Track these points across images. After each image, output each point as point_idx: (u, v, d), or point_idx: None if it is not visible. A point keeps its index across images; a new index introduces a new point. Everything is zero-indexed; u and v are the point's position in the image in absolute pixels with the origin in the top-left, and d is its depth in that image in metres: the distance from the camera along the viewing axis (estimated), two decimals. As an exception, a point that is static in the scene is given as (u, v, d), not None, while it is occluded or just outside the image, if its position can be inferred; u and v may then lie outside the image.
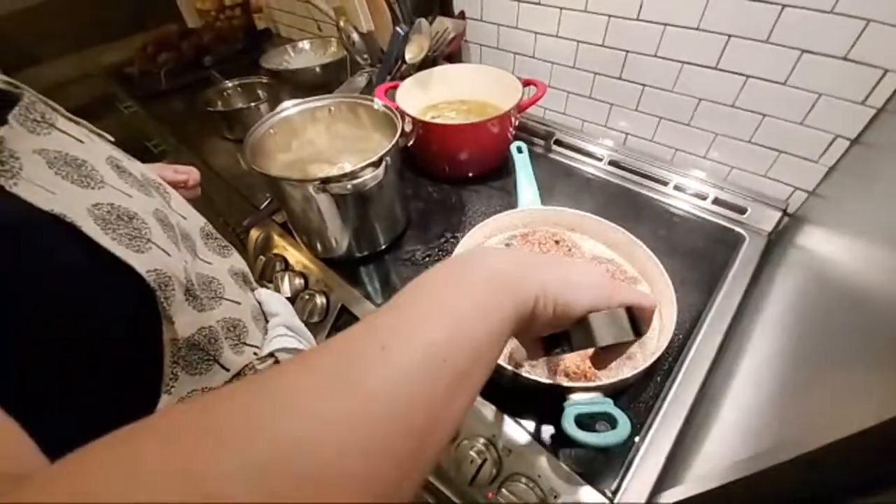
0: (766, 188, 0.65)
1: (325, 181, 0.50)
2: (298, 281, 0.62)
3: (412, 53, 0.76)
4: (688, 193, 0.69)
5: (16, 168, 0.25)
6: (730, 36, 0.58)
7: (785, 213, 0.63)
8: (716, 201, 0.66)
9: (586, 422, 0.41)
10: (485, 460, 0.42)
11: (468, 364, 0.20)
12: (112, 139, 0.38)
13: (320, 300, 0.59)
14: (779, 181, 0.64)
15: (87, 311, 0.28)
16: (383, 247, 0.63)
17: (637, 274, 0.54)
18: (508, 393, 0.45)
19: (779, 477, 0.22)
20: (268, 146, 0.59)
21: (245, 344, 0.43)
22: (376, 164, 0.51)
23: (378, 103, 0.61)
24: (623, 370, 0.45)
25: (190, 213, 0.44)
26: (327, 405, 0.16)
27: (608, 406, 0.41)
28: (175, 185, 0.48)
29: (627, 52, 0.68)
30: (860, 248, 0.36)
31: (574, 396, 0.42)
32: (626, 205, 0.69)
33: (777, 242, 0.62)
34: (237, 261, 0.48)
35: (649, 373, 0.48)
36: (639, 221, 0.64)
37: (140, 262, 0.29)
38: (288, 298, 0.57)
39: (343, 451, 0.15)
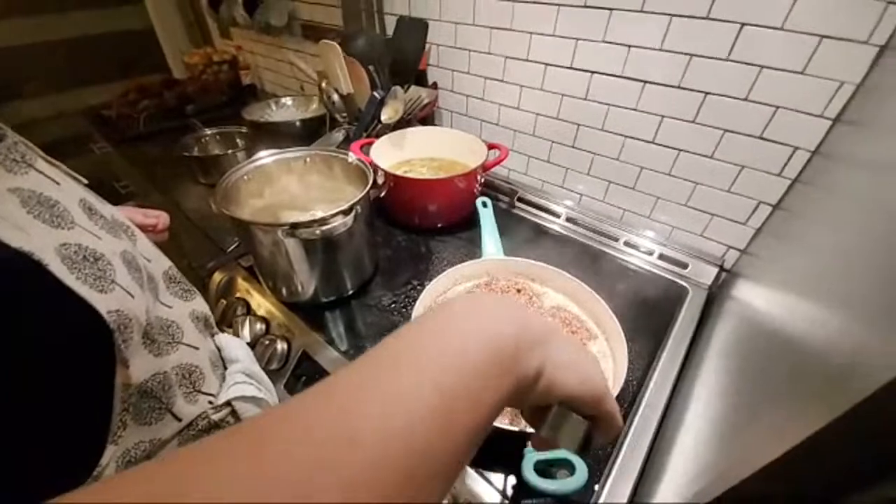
0: (703, 246, 0.72)
1: (295, 226, 0.51)
2: (259, 326, 0.61)
3: (388, 115, 0.83)
4: (636, 249, 0.75)
5: None
6: (663, 116, 0.67)
7: (722, 268, 0.69)
8: (661, 257, 0.73)
9: (546, 469, 0.41)
10: (443, 514, 0.41)
11: (450, 456, 0.18)
12: (86, 182, 0.39)
13: (281, 346, 0.58)
14: (714, 240, 0.71)
15: (42, 349, 0.27)
16: (350, 292, 0.64)
17: (594, 325, 0.57)
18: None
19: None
20: (241, 192, 0.61)
21: (200, 392, 0.42)
22: (346, 212, 0.53)
23: (352, 156, 0.65)
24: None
25: (155, 256, 0.44)
26: None
27: (565, 452, 0.41)
28: (144, 227, 0.48)
29: (579, 125, 0.77)
30: (780, 299, 0.41)
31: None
32: (582, 258, 0.74)
33: (718, 295, 0.68)
34: (200, 304, 0.48)
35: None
36: (594, 273, 0.68)
37: (102, 302, 0.29)
38: (248, 344, 0.55)
39: None
